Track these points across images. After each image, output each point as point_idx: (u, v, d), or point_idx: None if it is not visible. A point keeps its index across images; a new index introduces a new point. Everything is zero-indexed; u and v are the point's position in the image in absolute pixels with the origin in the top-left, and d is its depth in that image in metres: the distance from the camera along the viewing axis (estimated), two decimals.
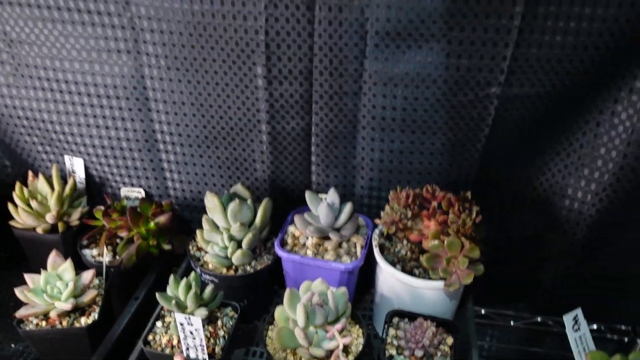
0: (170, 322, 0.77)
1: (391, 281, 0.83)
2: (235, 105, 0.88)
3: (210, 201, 0.86)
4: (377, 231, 0.89)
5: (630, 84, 0.80)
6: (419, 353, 0.74)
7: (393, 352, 0.76)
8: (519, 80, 0.80)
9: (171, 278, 0.77)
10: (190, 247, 0.91)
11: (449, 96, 0.82)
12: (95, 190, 1.01)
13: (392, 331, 0.79)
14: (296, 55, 0.81)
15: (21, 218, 0.91)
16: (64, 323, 0.78)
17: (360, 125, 0.87)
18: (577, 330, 0.75)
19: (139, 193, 0.98)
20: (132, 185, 0.98)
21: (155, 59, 0.85)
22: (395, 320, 0.81)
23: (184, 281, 0.75)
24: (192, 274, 0.77)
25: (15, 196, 0.91)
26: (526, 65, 0.78)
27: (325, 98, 0.85)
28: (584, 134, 0.86)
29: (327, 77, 0.83)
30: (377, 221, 0.85)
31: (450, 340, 0.78)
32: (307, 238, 0.88)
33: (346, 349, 0.74)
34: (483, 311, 1.05)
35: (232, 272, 0.85)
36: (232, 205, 0.84)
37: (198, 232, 0.87)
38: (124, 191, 0.98)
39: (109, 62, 0.86)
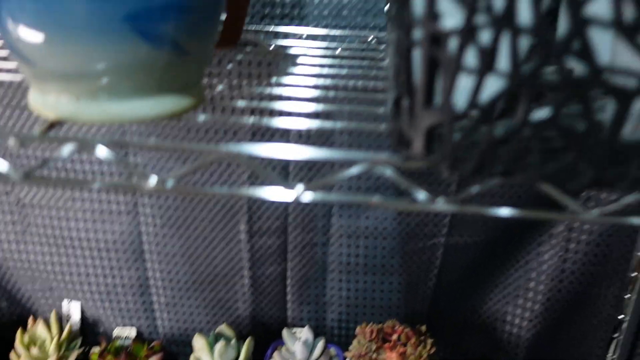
0: None
1: None
2: (220, 255, 1.01)
3: (199, 342, 0.97)
4: None
5: (550, 231, 0.98)
6: None
7: None
8: (459, 231, 0.97)
9: None
10: None
11: (402, 245, 0.98)
12: (89, 329, 1.10)
13: None
14: (274, 214, 0.97)
15: None
16: None
17: (329, 269, 1.02)
18: None
19: (130, 332, 1.08)
20: (124, 325, 1.08)
21: (152, 218, 0.98)
22: None
23: None
24: None
25: (18, 343, 1.00)
26: (464, 220, 0.96)
27: (298, 248, 1.00)
28: (516, 270, 1.03)
29: (299, 231, 0.98)
30: (347, 353, 0.98)
31: None
32: None
33: None
34: None
35: None
36: (219, 346, 0.96)
37: None
38: (117, 330, 1.08)
39: (109, 221, 0.99)
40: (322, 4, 0.83)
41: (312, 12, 0.83)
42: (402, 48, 0.34)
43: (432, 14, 0.32)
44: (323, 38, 0.79)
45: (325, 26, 0.82)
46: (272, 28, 0.81)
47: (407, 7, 0.33)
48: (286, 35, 0.80)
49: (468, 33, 0.30)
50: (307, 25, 0.83)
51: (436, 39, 0.32)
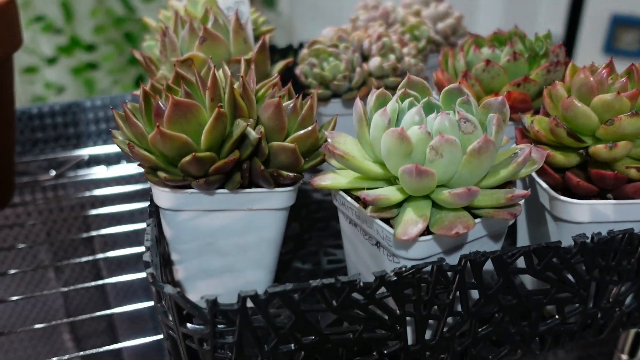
0: None
1: None
2: None
3: None
4: None
5: None
6: None
7: None
8: None
9: None
10: None
11: None
12: None
13: None
14: None
15: None
16: None
17: None
18: None
19: None
20: None
21: None
22: None
23: None
24: None
25: None
26: None
27: None
28: None
29: None
30: None
31: None
32: None
33: None
34: None
35: None
36: None
37: None
38: None
39: None
40: (97, 117, 0.81)
41: (87, 130, 0.80)
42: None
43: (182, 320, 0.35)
44: (106, 157, 0.78)
45: (105, 142, 0.81)
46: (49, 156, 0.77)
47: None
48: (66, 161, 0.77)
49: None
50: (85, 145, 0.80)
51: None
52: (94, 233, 0.68)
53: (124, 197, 0.71)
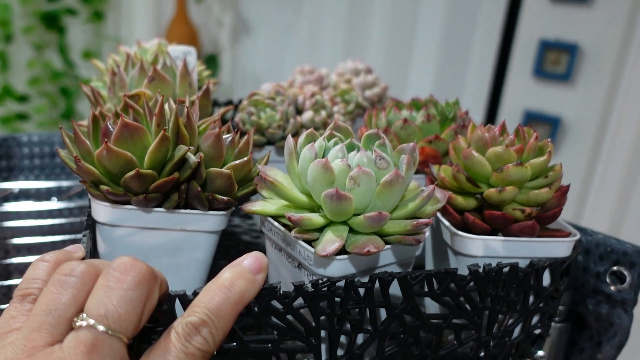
0: None
1: None
2: None
3: None
4: None
5: None
6: None
7: None
8: None
9: None
10: None
11: None
12: None
13: None
14: None
15: None
16: None
17: None
18: None
19: None
20: None
21: None
22: None
23: None
24: None
25: None
26: None
27: None
28: None
29: None
30: None
31: None
32: None
33: None
34: None
35: None
36: None
37: None
38: None
39: None
40: (32, 152, 0.81)
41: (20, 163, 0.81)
42: None
43: None
44: (37, 192, 0.78)
45: (37, 177, 0.81)
46: None
47: None
48: None
49: None
50: (16, 178, 0.80)
51: None
52: (14, 260, 0.68)
53: (47, 230, 0.72)
